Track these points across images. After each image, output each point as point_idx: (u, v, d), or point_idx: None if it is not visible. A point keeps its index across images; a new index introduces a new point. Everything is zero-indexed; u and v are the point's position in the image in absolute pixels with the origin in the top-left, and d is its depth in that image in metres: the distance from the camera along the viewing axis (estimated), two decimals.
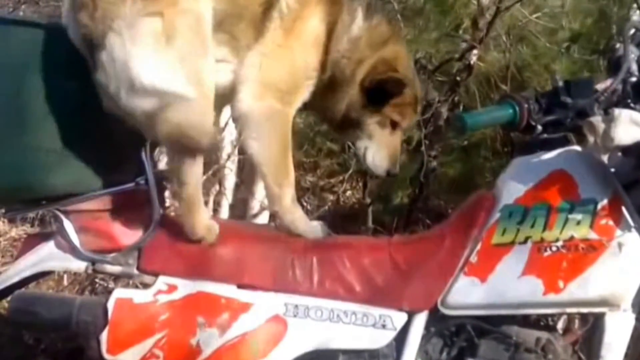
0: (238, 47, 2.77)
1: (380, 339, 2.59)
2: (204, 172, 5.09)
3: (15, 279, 2.68)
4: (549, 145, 2.59)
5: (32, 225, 6.00)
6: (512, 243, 2.51)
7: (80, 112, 2.58)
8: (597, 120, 2.50)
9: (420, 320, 2.58)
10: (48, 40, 2.58)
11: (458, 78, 5.95)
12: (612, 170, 2.49)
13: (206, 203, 5.04)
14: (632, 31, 2.68)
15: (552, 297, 2.42)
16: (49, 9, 6.80)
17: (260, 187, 4.66)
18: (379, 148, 2.97)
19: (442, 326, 2.60)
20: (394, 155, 3.01)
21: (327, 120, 3.08)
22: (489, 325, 2.55)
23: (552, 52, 5.95)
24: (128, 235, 2.67)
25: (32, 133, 2.55)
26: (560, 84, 2.61)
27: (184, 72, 2.53)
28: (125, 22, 2.50)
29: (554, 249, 2.45)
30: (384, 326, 2.59)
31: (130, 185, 2.65)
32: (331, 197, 6.75)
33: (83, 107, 2.58)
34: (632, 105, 2.57)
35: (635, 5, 5.75)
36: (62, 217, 2.66)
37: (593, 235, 2.42)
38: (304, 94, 2.86)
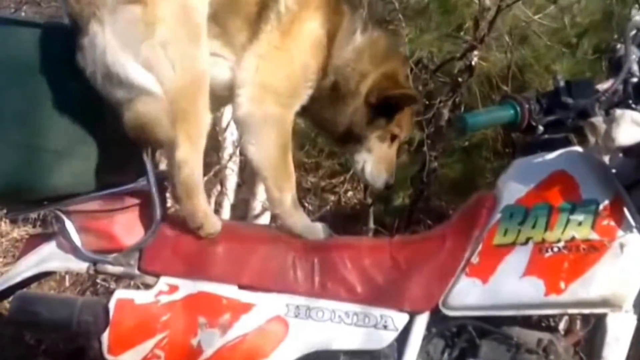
0: (233, 44, 2.77)
1: (381, 340, 2.59)
2: (206, 173, 5.12)
3: (17, 280, 2.68)
4: (550, 146, 2.59)
5: (34, 226, 6.00)
6: (514, 244, 2.51)
7: (81, 112, 2.58)
8: (598, 120, 2.51)
9: (422, 321, 2.58)
10: (49, 40, 2.58)
11: (460, 79, 5.94)
12: (614, 170, 2.49)
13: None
14: (634, 32, 2.68)
15: (553, 297, 2.42)
16: (51, 10, 6.79)
17: (262, 187, 4.65)
18: (377, 161, 2.99)
19: (444, 327, 2.60)
20: (391, 167, 3.03)
21: (326, 131, 3.08)
22: (491, 326, 2.54)
23: (554, 52, 5.94)
24: (129, 236, 2.67)
25: (33, 133, 2.55)
26: (561, 84, 2.60)
27: (161, 63, 2.56)
28: (107, 9, 2.52)
29: (555, 249, 2.45)
30: (385, 327, 2.58)
31: (132, 185, 2.65)
32: (332, 197, 6.75)
33: (84, 108, 2.59)
34: (633, 105, 2.56)
35: (637, 5, 5.74)
36: (64, 217, 2.66)
37: (594, 236, 2.42)
38: (303, 97, 2.85)
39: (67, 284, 5.13)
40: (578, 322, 2.63)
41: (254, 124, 2.76)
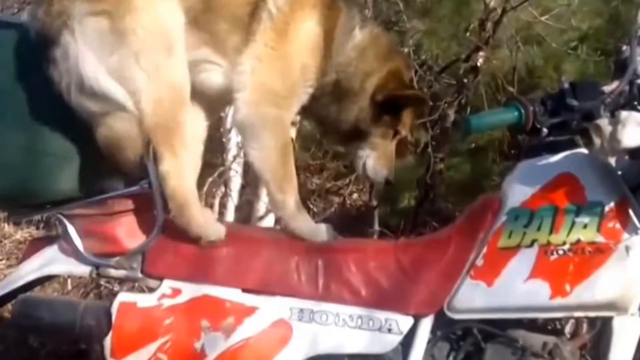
0: (224, 49, 2.74)
1: (386, 343, 2.58)
2: (210, 175, 5.12)
3: (19, 283, 2.69)
4: (555, 148, 2.57)
5: (37, 228, 6.02)
6: (519, 246, 2.50)
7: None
8: (604, 122, 2.49)
9: (427, 324, 2.57)
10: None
11: (465, 80, 5.93)
12: (619, 172, 2.47)
13: (212, 205, 5.06)
14: (639, 33, 2.66)
15: (559, 300, 2.40)
16: None
17: None
18: (379, 157, 2.96)
19: (449, 330, 2.58)
20: (391, 163, 3.01)
21: (329, 130, 3.06)
22: (496, 329, 2.53)
23: (560, 54, 5.92)
24: (132, 239, 2.67)
25: (36, 137, 2.55)
26: (566, 86, 2.59)
27: (134, 74, 2.55)
28: (76, 20, 2.51)
29: (560, 252, 2.43)
30: (389, 330, 2.57)
31: (134, 189, 2.64)
32: (337, 199, 6.75)
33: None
34: (638, 107, 2.55)
35: None
36: (66, 221, 2.66)
37: (600, 239, 2.40)
38: (302, 98, 2.83)
39: (70, 286, 5.14)
40: (584, 325, 2.61)
41: (253, 127, 2.74)
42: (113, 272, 2.69)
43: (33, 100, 2.54)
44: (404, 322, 2.57)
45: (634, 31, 2.66)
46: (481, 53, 5.76)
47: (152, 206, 2.65)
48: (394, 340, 2.57)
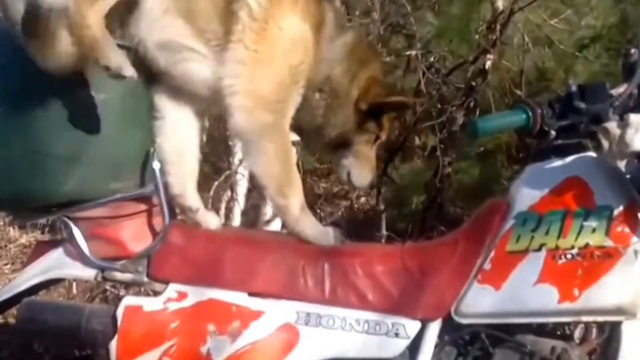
0: (206, 39, 2.68)
1: (393, 348, 2.56)
2: (216, 178, 5.11)
3: (24, 287, 2.69)
4: (563, 151, 2.56)
5: (43, 232, 6.02)
6: (526, 250, 2.48)
7: (89, 119, 2.56)
8: (612, 125, 2.47)
9: (434, 329, 2.55)
10: None
11: (473, 83, 5.91)
12: (628, 176, 2.45)
13: (218, 210, 5.04)
14: None
15: (567, 305, 2.38)
16: None
17: None
18: (362, 164, 2.94)
19: (456, 335, 2.57)
20: (374, 167, 3.00)
21: (313, 138, 3.01)
22: (504, 334, 2.51)
23: (570, 56, 5.90)
24: (137, 242, 2.67)
25: (41, 140, 2.54)
26: (574, 88, 2.57)
27: None
28: None
29: (568, 256, 2.41)
30: (397, 335, 2.56)
31: (140, 192, 2.65)
32: (344, 203, 6.74)
33: (92, 114, 2.56)
34: None
35: None
36: (71, 224, 2.65)
37: (609, 243, 2.38)
38: (296, 99, 2.77)
39: (75, 290, 5.14)
40: (593, 330, 2.59)
41: (248, 134, 2.70)
42: (119, 276, 2.69)
43: (37, 102, 2.52)
44: (412, 327, 2.56)
45: None
46: (489, 55, 5.74)
47: (158, 209, 2.65)
48: (401, 345, 2.55)
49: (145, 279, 2.68)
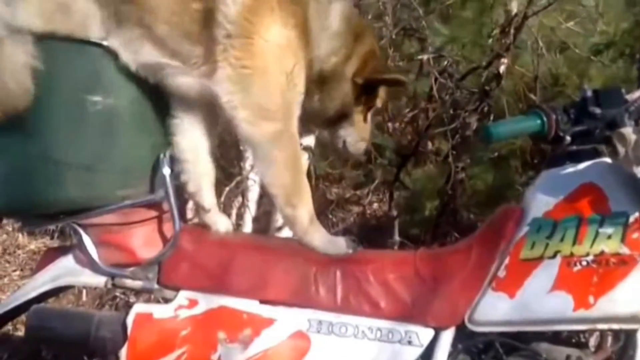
0: (184, 60, 2.63)
1: (406, 356, 2.54)
2: (227, 184, 5.09)
3: (33, 294, 2.68)
4: (578, 157, 2.54)
5: (52, 238, 6.02)
6: (541, 257, 2.46)
7: (99, 126, 2.56)
8: (628, 131, 2.45)
9: (447, 337, 2.53)
10: (72, 53, 2.56)
11: (487, 87, 5.89)
12: None
13: (229, 216, 5.03)
14: None
15: (582, 313, 2.36)
16: None
17: None
18: (359, 133, 2.93)
19: (470, 343, 2.54)
20: (369, 135, 3.00)
21: (312, 118, 2.96)
22: (518, 342, 2.49)
23: (585, 60, 5.87)
24: (148, 249, 2.66)
25: (51, 146, 2.53)
26: (589, 93, 2.55)
27: None
28: None
29: (584, 263, 2.39)
30: (409, 343, 2.54)
31: (150, 198, 2.63)
32: (357, 209, 6.72)
33: (102, 121, 2.56)
34: None
35: None
36: (81, 231, 2.64)
37: (624, 250, 2.36)
38: (297, 100, 2.73)
39: (85, 297, 5.14)
40: (609, 338, 2.58)
41: (255, 144, 2.66)
42: (129, 283, 2.68)
43: (47, 108, 2.52)
44: (425, 335, 2.54)
45: None
46: (503, 60, 5.72)
47: (169, 215, 2.64)
48: (414, 353, 2.53)
49: (156, 286, 2.66)
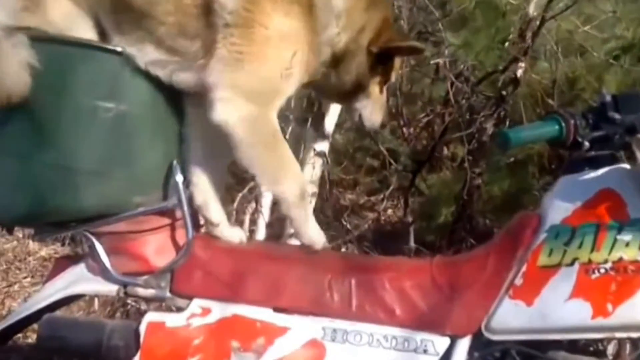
0: (182, 55, 2.62)
1: None
2: (240, 190, 5.07)
3: (45, 303, 2.67)
4: (596, 163, 2.52)
5: (63, 244, 6.03)
6: (559, 265, 2.43)
7: (112, 133, 2.54)
8: None
9: (464, 345, 2.51)
10: (84, 59, 2.55)
11: (503, 92, 5.86)
12: None
13: (242, 222, 5.01)
14: None
15: (600, 321, 2.34)
16: None
17: None
18: (375, 105, 2.93)
19: (486, 351, 2.53)
20: (384, 108, 3.00)
21: (327, 93, 3.04)
22: (535, 350, 2.48)
23: (603, 64, 5.84)
24: (160, 257, 2.64)
25: (63, 154, 2.52)
26: (608, 98, 2.53)
27: None
28: None
29: (602, 270, 2.37)
30: (425, 351, 2.52)
31: (162, 205, 2.62)
32: (371, 215, 6.70)
33: (115, 129, 2.55)
34: None
35: None
36: (93, 239, 2.64)
37: None
38: (287, 90, 2.69)
39: (96, 305, 5.13)
40: (627, 347, 2.54)
41: (231, 129, 2.57)
42: (141, 291, 2.66)
43: (60, 115, 2.51)
44: (441, 343, 2.52)
45: None
46: (520, 64, 5.69)
47: (181, 223, 2.62)
48: None
49: (168, 295, 2.65)
